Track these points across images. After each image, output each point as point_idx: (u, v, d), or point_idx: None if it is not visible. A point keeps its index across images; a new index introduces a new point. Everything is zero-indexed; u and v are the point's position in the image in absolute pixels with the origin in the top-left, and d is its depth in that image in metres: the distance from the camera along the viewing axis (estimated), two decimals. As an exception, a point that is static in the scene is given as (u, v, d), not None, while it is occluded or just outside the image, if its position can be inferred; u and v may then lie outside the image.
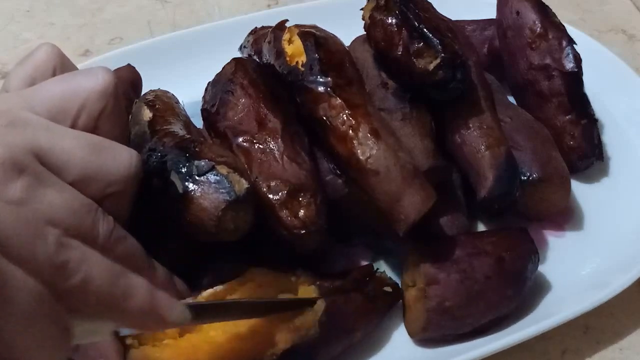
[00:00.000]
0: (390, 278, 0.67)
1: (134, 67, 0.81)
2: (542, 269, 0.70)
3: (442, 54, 0.65)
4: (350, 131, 0.63)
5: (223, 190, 0.57)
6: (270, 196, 0.61)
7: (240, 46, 0.84)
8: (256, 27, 0.85)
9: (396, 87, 0.70)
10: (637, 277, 0.66)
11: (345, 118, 0.63)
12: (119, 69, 0.81)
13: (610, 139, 0.83)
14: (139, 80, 0.81)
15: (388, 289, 0.66)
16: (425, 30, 0.66)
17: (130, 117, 0.69)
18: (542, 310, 0.67)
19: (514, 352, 0.64)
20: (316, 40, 0.67)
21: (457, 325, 0.63)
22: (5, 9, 1.07)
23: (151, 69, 0.82)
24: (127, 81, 0.80)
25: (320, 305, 0.61)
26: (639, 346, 0.67)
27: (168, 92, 0.74)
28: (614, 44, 0.98)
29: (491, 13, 0.86)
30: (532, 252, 0.66)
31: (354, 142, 0.63)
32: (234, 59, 0.70)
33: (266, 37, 0.73)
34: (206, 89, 0.72)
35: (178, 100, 0.74)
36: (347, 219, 0.69)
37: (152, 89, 0.74)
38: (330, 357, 0.63)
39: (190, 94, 0.75)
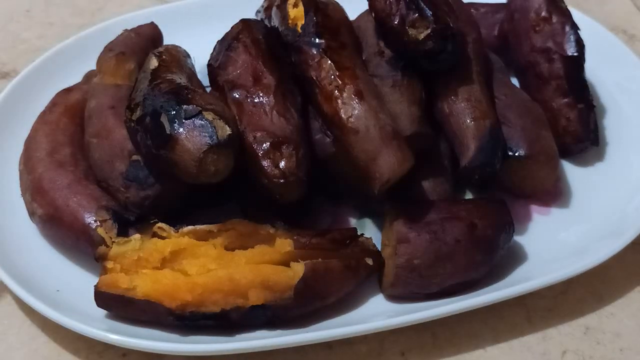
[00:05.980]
0: (374, 245, 0.68)
1: (156, 25, 0.86)
2: (523, 242, 0.72)
3: (434, 25, 0.67)
4: (336, 91, 0.66)
5: (206, 134, 0.61)
6: (255, 146, 0.65)
7: (256, 11, 0.87)
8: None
9: (392, 55, 0.72)
10: (612, 254, 0.68)
11: (332, 78, 0.67)
12: (141, 25, 0.85)
13: (613, 126, 0.83)
14: (159, 37, 0.86)
15: (369, 261, 0.67)
16: (420, 1, 0.69)
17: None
18: (513, 279, 0.68)
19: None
20: (317, 5, 0.71)
21: (424, 284, 0.65)
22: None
23: (171, 34, 0.86)
24: (148, 37, 0.85)
25: (299, 271, 0.63)
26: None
27: (179, 47, 0.78)
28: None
29: (506, -3, 0.88)
30: (507, 223, 0.67)
31: (339, 101, 0.66)
32: (242, 19, 0.74)
33: (277, 1, 0.76)
34: (215, 47, 0.76)
35: (188, 55, 0.78)
36: (335, 178, 0.72)
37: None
38: (299, 316, 0.65)
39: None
